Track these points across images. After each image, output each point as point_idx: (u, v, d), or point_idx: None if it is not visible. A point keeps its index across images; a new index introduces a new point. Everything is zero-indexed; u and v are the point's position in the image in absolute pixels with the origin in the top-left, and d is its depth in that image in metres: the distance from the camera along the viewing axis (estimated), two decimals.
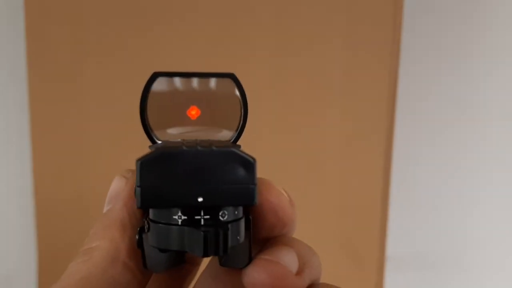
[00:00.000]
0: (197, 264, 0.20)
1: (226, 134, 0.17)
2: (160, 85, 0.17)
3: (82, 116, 0.47)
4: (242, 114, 0.17)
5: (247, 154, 0.15)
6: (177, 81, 0.17)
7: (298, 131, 0.49)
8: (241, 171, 0.15)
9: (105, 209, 0.17)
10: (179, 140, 0.16)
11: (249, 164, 0.15)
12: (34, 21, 0.45)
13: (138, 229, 0.16)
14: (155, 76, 0.17)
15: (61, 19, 0.46)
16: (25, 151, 0.51)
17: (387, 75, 0.48)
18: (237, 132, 0.17)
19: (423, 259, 0.62)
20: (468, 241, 0.61)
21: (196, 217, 0.15)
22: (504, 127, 0.59)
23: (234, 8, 0.46)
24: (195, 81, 0.17)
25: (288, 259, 0.16)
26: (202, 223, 0.15)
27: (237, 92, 0.17)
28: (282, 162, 0.49)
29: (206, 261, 0.19)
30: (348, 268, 0.51)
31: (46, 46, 0.46)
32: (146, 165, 0.15)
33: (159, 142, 0.17)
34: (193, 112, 0.17)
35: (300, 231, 0.55)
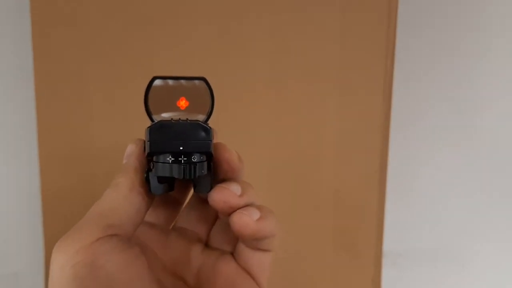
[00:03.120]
0: (181, 204, 0.31)
1: (201, 117, 0.27)
2: (157, 84, 0.26)
3: (88, 115, 0.48)
4: (210, 104, 0.27)
5: (207, 125, 0.26)
6: (169, 81, 0.26)
7: (294, 129, 0.49)
8: (203, 133, 0.25)
9: (124, 162, 0.28)
10: (170, 118, 0.26)
11: (207, 130, 0.26)
12: (40, 23, 0.46)
13: (146, 169, 0.27)
14: (154, 79, 0.26)
15: (67, 20, 0.46)
16: (32, 151, 0.52)
17: (383, 74, 0.48)
18: (207, 116, 0.27)
19: (420, 254, 0.62)
20: (465, 236, 0.61)
21: (179, 158, 0.25)
22: (499, 123, 0.60)
23: (232, 7, 0.47)
24: (182, 82, 0.27)
25: (234, 187, 0.26)
26: (182, 162, 0.25)
27: (208, 91, 0.27)
28: (279, 158, 0.50)
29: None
30: (345, 263, 0.52)
31: (52, 47, 0.47)
32: (152, 129, 0.25)
33: (156, 121, 0.26)
34: (182, 102, 0.27)
35: (297, 227, 0.56)
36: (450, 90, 0.59)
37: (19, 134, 0.55)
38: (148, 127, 0.25)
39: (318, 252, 0.52)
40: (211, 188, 0.26)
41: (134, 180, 0.26)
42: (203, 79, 0.27)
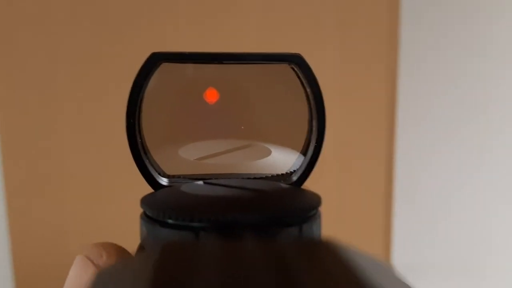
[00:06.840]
0: None
1: (279, 160, 0.09)
2: (162, 76, 0.09)
3: (51, 127, 0.45)
4: (315, 126, 0.09)
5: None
6: (190, 68, 0.09)
7: None
8: None
9: None
10: (199, 183, 0.08)
11: None
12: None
13: None
14: (154, 59, 0.09)
15: (29, 25, 0.44)
16: None
17: (386, 76, 0.47)
18: (308, 161, 0.09)
19: (429, 268, 0.61)
20: (475, 249, 0.60)
21: None
22: (510, 127, 0.58)
23: (227, 9, 0.45)
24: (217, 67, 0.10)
25: None
26: None
27: (302, 88, 0.09)
28: None
29: None
30: None
31: (12, 56, 0.44)
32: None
33: (162, 181, 0.10)
34: (211, 95, 0.09)
35: None
36: (458, 91, 0.57)
37: None
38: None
39: None
40: None
41: None
42: (296, 57, 0.11)
